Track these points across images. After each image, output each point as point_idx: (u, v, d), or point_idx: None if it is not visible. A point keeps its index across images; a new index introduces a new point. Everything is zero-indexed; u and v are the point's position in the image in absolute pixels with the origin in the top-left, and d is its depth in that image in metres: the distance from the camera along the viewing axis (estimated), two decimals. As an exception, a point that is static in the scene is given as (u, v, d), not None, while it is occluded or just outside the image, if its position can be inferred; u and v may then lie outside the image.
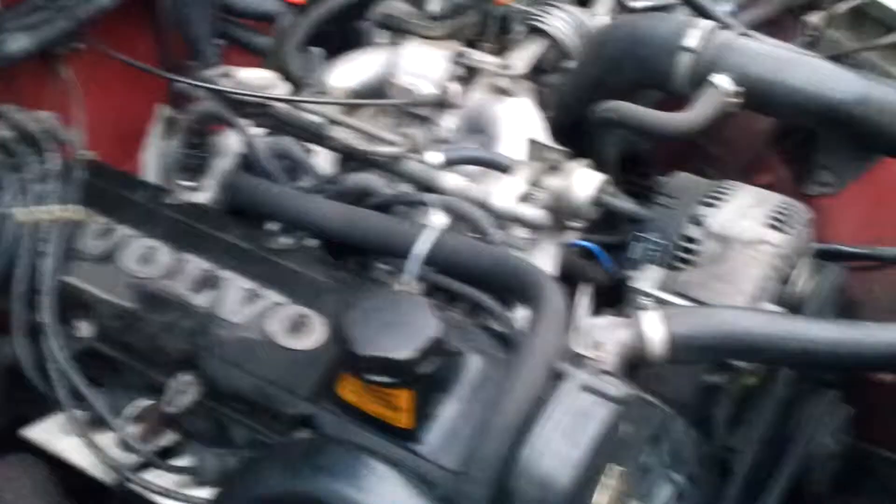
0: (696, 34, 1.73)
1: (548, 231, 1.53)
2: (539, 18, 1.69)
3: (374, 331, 1.23)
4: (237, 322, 1.42)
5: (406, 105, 1.67)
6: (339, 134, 1.53)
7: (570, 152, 1.53)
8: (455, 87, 1.67)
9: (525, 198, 1.49)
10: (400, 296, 1.30)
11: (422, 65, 1.69)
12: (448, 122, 1.69)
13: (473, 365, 1.31)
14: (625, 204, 1.55)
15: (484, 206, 1.48)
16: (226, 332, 1.42)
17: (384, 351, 1.21)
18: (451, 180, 1.52)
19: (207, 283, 1.45)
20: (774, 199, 1.75)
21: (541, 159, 1.50)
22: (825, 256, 1.81)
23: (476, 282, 1.41)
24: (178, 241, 1.51)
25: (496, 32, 1.73)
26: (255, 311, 1.42)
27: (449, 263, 1.42)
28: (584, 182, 1.50)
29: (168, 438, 1.48)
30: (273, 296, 1.43)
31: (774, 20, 1.97)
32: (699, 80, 1.72)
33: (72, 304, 1.50)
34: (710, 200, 1.74)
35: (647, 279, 1.69)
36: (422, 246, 1.41)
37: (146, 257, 1.50)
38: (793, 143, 2.01)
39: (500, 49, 1.74)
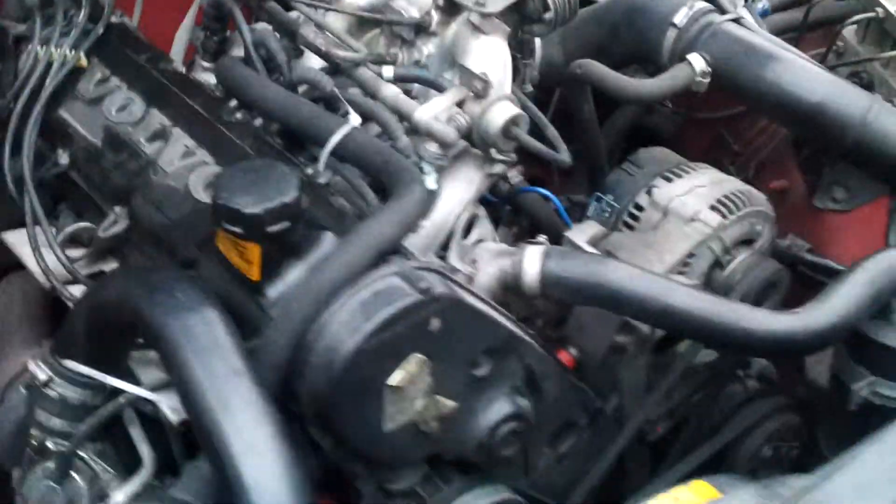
0: (684, 12, 1.78)
1: (471, 157, 1.64)
2: None
3: (238, 187, 1.37)
4: (168, 171, 1.61)
5: (387, 24, 1.77)
6: (313, 36, 1.68)
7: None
8: (434, 16, 1.76)
9: (445, 118, 1.59)
10: (273, 164, 1.44)
11: (417, -10, 1.82)
12: (427, 48, 1.81)
13: (327, 240, 1.43)
14: (534, 142, 1.62)
15: (405, 116, 1.60)
16: (157, 178, 1.61)
17: (237, 204, 1.36)
18: (390, 91, 1.63)
19: (160, 135, 1.65)
20: (731, 185, 1.77)
21: (469, 86, 1.60)
22: (782, 258, 1.81)
23: (370, 175, 1.54)
24: (154, 99, 1.71)
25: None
26: (185, 165, 1.60)
27: (353, 157, 1.54)
28: (498, 112, 1.58)
29: (109, 265, 1.70)
30: (204, 156, 1.61)
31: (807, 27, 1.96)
32: (681, 56, 1.77)
33: (60, 133, 1.74)
34: (669, 174, 1.79)
35: (581, 232, 1.77)
36: (333, 139, 1.55)
37: (123, 107, 1.71)
38: (810, 151, 2.00)
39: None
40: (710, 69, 1.73)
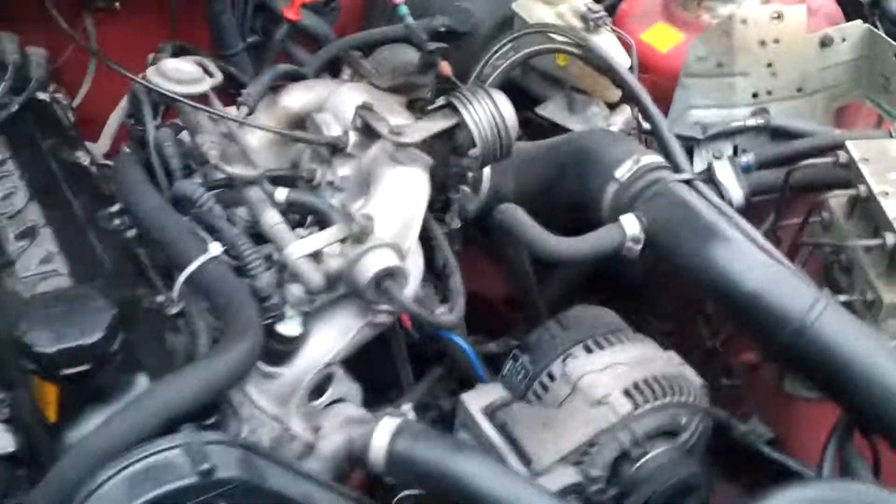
0: (628, 165, 1.58)
1: (352, 303, 1.46)
2: (461, 99, 1.60)
3: (42, 320, 1.24)
4: (21, 276, 1.48)
5: (299, 141, 1.62)
6: (208, 146, 1.54)
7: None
8: (352, 137, 1.61)
9: (318, 258, 1.43)
10: (90, 297, 1.29)
11: (342, 108, 1.65)
12: (343, 170, 1.64)
13: (140, 386, 1.28)
14: (408, 303, 1.44)
15: (280, 249, 1.44)
16: (10, 281, 1.48)
17: (31, 340, 1.21)
18: (271, 218, 1.47)
19: (28, 234, 1.52)
20: (658, 367, 1.55)
21: (349, 226, 1.43)
22: (737, 446, 1.59)
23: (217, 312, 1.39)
24: (38, 193, 1.59)
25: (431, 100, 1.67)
26: (39, 272, 1.47)
27: (203, 291, 1.39)
28: (372, 261, 1.40)
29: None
30: (61, 266, 1.47)
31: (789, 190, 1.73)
32: (619, 213, 1.58)
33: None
34: (591, 344, 1.59)
35: (478, 397, 1.57)
36: (187, 269, 1.40)
37: (7, 195, 1.59)
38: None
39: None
40: (643, 235, 1.54)
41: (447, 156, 1.60)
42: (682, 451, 1.55)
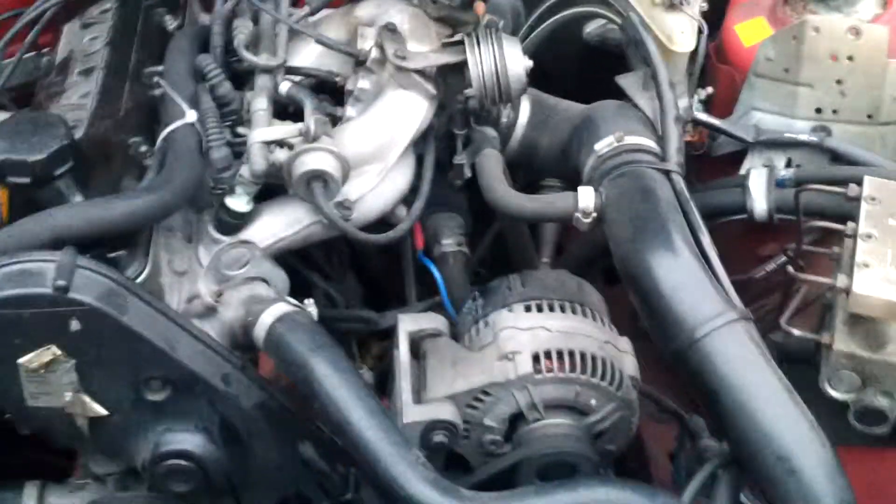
0: (608, 141, 1.54)
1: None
2: (471, 38, 1.61)
3: (7, 132, 1.46)
4: (61, 104, 1.68)
5: (326, 47, 1.68)
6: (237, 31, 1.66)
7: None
8: (373, 53, 1.64)
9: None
10: (51, 122, 1.48)
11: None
12: (363, 82, 1.66)
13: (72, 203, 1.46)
14: (324, 207, 1.52)
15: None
16: (52, 106, 1.70)
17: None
18: (257, 104, 1.57)
19: (85, 72, 1.72)
20: (583, 344, 1.52)
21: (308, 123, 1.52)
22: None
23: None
24: (115, 40, 1.78)
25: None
26: (72, 102, 1.67)
27: (169, 147, 1.54)
28: (308, 160, 1.49)
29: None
30: (89, 102, 1.66)
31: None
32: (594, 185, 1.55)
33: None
34: (532, 304, 1.59)
35: (414, 322, 1.62)
36: (167, 129, 1.54)
37: (94, 38, 1.81)
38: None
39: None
40: (595, 210, 1.51)
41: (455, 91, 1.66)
42: (583, 430, 1.54)
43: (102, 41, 1.80)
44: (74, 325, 1.36)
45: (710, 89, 1.81)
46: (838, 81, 1.71)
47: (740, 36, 1.82)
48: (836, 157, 1.71)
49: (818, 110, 1.74)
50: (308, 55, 1.74)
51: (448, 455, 1.56)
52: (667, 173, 1.53)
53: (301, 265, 1.79)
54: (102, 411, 1.43)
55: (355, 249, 1.91)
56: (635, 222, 1.47)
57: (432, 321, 1.64)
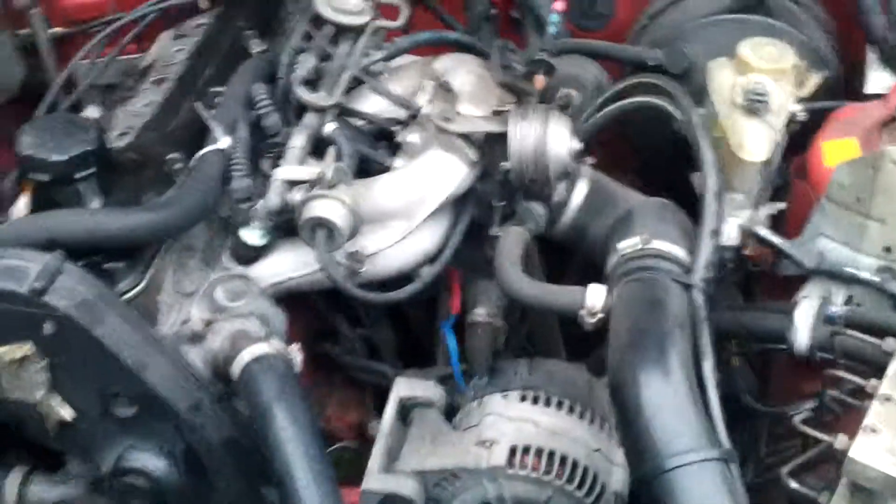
0: (634, 241, 1.45)
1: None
2: (518, 111, 1.58)
3: (38, 130, 1.50)
4: (127, 109, 1.73)
5: (384, 96, 1.67)
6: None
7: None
8: (425, 109, 1.61)
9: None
10: (83, 127, 1.51)
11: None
12: (412, 136, 1.64)
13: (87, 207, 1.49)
14: (325, 256, 1.50)
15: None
16: (116, 112, 1.75)
17: (18, 140, 1.48)
18: (294, 141, 1.57)
19: (157, 82, 1.78)
20: (565, 446, 1.45)
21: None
22: None
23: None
24: (195, 57, 1.83)
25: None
26: (135, 109, 1.72)
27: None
28: (315, 207, 1.47)
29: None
30: (148, 111, 1.70)
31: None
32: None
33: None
34: (528, 395, 1.53)
35: (408, 386, 1.58)
36: (200, 152, 1.57)
37: (179, 50, 1.86)
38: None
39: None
40: (603, 311, 1.41)
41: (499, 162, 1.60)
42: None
43: (184, 55, 1.84)
44: (48, 327, 1.37)
45: (781, 205, 1.68)
46: None
47: (825, 154, 1.67)
48: (899, 303, 1.57)
49: (887, 249, 1.58)
50: (378, 101, 1.73)
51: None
52: (687, 287, 1.43)
53: (327, 308, 1.77)
54: (70, 415, 1.44)
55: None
56: (633, 332, 1.37)
57: (427, 390, 1.58)
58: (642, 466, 1.28)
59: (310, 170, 1.53)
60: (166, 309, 1.52)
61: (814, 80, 1.84)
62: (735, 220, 1.62)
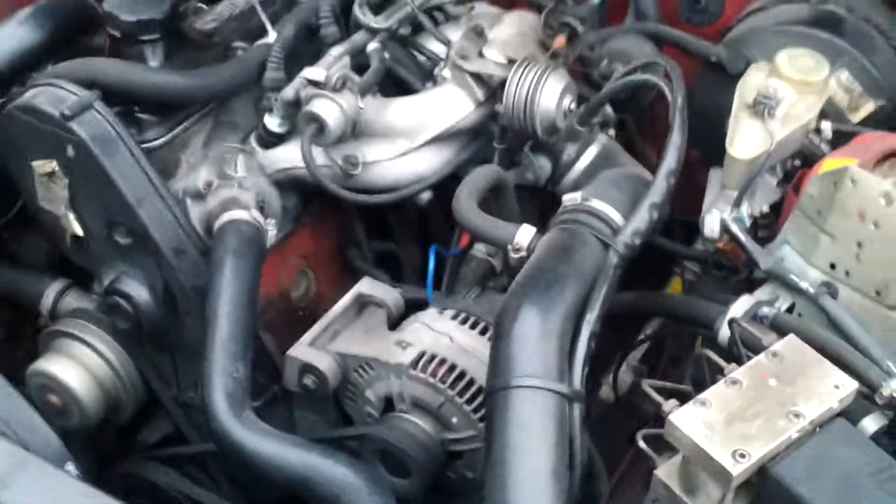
0: (574, 196, 1.56)
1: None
2: (522, 65, 1.71)
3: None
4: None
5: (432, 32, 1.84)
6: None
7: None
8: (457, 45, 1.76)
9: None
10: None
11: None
12: (445, 70, 1.77)
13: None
14: (305, 145, 1.68)
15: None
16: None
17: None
18: (336, 50, 1.75)
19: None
20: (472, 365, 1.59)
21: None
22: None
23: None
24: None
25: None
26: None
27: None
28: (315, 104, 1.67)
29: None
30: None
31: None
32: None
33: None
34: (464, 316, 1.68)
35: (371, 286, 1.75)
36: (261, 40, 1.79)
37: None
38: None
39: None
40: (527, 251, 1.53)
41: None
42: (434, 441, 1.59)
43: None
44: (70, 150, 1.64)
45: (763, 207, 1.70)
46: (858, 244, 1.53)
47: (821, 169, 1.69)
48: (830, 319, 1.57)
49: (832, 265, 1.56)
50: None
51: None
52: (605, 246, 1.51)
53: (356, 217, 1.96)
54: (80, 232, 1.72)
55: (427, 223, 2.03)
56: (534, 268, 1.48)
57: (386, 294, 1.76)
58: (490, 382, 1.40)
59: (322, 72, 1.71)
60: (188, 167, 1.76)
61: (867, 107, 1.86)
62: (717, 214, 1.69)
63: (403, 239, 2.02)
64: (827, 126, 1.72)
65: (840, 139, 1.73)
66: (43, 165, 1.68)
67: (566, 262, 1.49)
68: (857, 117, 1.84)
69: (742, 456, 1.27)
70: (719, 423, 1.31)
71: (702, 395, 1.34)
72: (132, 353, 1.81)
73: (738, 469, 1.26)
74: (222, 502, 1.83)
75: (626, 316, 1.73)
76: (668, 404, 1.35)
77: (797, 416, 1.31)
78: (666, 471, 1.37)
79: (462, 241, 1.89)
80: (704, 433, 1.30)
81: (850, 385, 1.34)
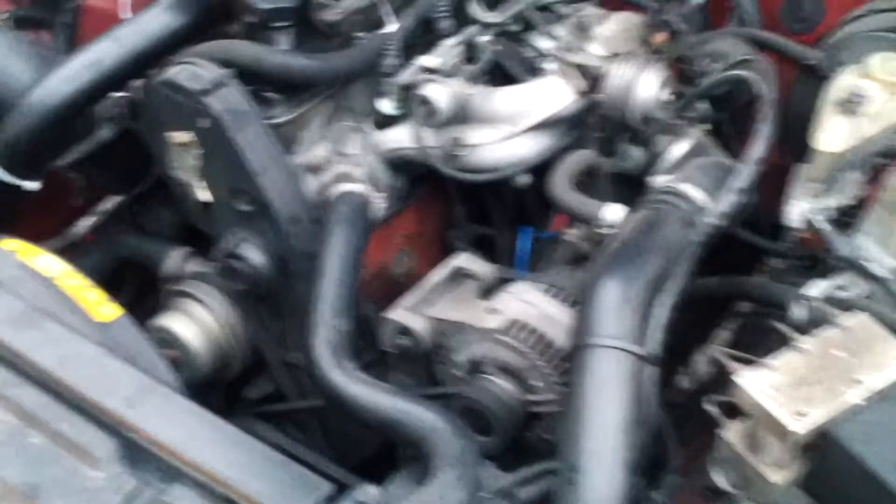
0: (665, 179, 1.64)
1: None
2: (620, 58, 1.82)
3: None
4: None
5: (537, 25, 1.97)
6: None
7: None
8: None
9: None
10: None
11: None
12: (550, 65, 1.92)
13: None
14: (417, 129, 1.83)
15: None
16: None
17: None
18: (451, 40, 1.90)
19: None
20: (557, 334, 1.69)
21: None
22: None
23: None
24: None
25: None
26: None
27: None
28: (426, 88, 1.83)
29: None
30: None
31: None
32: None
33: None
34: (550, 289, 1.76)
35: (468, 260, 1.88)
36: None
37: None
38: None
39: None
40: (615, 227, 1.63)
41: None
42: (517, 403, 1.69)
43: None
44: (204, 123, 1.80)
45: (849, 201, 1.76)
46: None
47: (907, 164, 1.74)
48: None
49: None
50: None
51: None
52: (689, 225, 1.59)
53: (457, 198, 2.09)
54: (208, 198, 1.87)
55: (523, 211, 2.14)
56: (621, 242, 1.58)
57: (481, 267, 1.87)
58: (576, 337, 1.49)
59: (437, 59, 1.85)
60: (307, 143, 1.90)
61: (956, 117, 1.91)
62: (800, 204, 1.76)
63: (501, 224, 2.14)
64: None
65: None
66: (179, 136, 1.85)
67: (650, 237, 1.58)
68: (947, 126, 1.89)
69: (802, 415, 1.36)
70: (784, 386, 1.39)
71: (769, 361, 1.42)
72: (245, 314, 1.97)
73: (798, 426, 1.34)
74: (318, 457, 1.96)
75: (706, 301, 1.81)
76: (734, 366, 1.44)
77: (859, 383, 1.39)
78: (731, 431, 1.46)
79: (555, 226, 2.01)
80: (769, 393, 1.39)
81: (916, 360, 1.42)
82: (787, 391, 1.38)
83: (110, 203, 2.25)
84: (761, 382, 1.39)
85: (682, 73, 1.96)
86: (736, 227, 1.94)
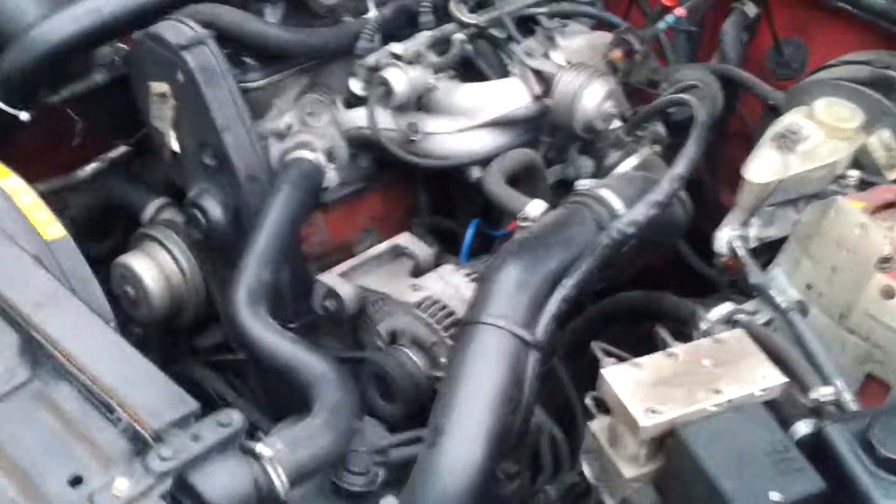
0: (587, 182, 1.72)
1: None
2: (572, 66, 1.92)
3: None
4: None
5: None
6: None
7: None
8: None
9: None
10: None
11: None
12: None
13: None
14: (373, 110, 1.95)
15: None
16: None
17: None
18: (424, 34, 2.00)
19: None
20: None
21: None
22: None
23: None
24: None
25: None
26: None
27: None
28: (387, 72, 1.94)
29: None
30: None
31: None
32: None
33: None
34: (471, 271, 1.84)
35: (411, 241, 1.96)
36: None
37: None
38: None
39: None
40: (533, 221, 1.71)
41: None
42: (421, 374, 1.79)
43: None
44: (179, 76, 1.93)
45: (776, 234, 1.81)
46: (833, 268, 1.62)
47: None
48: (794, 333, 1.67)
49: (809, 286, 1.67)
50: None
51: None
52: (598, 227, 1.67)
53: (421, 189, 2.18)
54: (177, 149, 2.00)
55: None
56: (528, 234, 1.67)
57: (419, 248, 1.97)
58: (464, 317, 1.58)
59: (402, 46, 1.96)
60: (278, 112, 2.02)
61: (903, 167, 1.96)
62: (727, 230, 1.82)
63: (464, 219, 2.23)
64: (854, 174, 1.84)
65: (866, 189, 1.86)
66: (158, 86, 1.98)
67: (558, 233, 1.67)
68: (893, 175, 1.95)
69: (654, 412, 1.43)
70: (645, 384, 1.46)
71: (637, 360, 1.50)
72: (201, 263, 2.09)
73: (647, 422, 1.41)
74: (251, 409, 2.07)
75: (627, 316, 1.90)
76: (607, 361, 1.51)
77: (717, 392, 1.45)
78: (598, 424, 1.53)
79: (510, 225, 2.10)
80: (628, 389, 1.46)
81: (777, 379, 1.48)
82: (646, 389, 1.45)
83: (115, 152, 2.41)
84: (624, 378, 1.47)
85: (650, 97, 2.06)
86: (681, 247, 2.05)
